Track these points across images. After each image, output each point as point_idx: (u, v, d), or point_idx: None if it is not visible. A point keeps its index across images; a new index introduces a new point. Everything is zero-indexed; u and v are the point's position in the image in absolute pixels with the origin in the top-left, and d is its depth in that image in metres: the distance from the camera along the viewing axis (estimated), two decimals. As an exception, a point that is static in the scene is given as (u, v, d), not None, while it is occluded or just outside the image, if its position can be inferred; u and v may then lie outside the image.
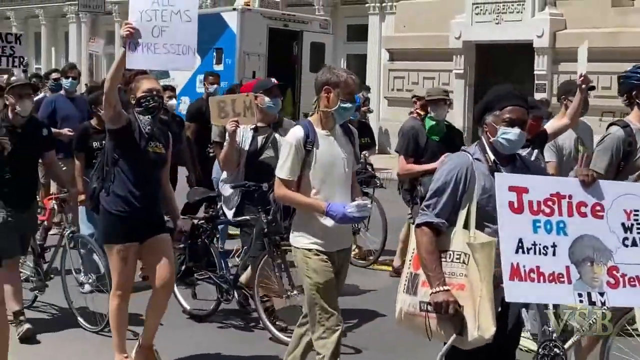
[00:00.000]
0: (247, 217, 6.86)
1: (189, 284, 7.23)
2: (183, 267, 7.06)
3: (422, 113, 8.10)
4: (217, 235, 7.10)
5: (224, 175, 7.21)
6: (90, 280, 7.02)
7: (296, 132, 5.12)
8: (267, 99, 7.02)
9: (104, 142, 7.81)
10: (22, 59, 11.08)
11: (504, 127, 4.19)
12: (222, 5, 22.82)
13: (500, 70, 18.94)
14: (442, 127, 7.72)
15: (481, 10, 19.02)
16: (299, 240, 5.18)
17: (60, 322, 7.24)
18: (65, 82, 10.54)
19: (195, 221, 7.06)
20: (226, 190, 7.08)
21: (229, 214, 7.09)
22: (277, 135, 7.01)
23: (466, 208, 4.18)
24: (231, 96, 7.32)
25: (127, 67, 5.66)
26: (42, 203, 7.07)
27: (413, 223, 7.73)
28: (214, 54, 19.24)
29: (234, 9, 18.76)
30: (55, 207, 6.90)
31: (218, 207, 7.25)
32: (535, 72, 18.31)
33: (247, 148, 6.97)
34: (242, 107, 6.87)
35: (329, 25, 21.17)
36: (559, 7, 18.32)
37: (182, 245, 6.99)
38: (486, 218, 4.16)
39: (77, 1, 23.92)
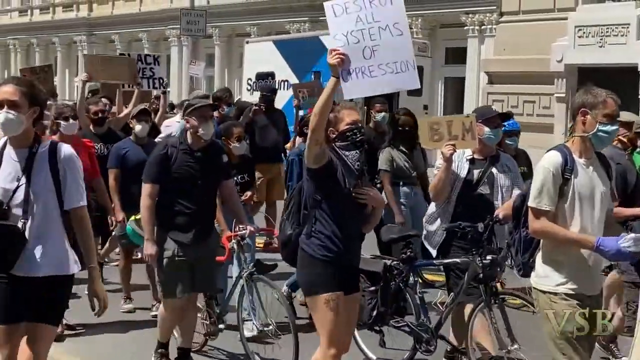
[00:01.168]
0: (457, 260, 5.69)
1: (377, 331, 6.01)
2: (374, 313, 5.86)
3: (625, 141, 6.69)
4: (416, 279, 5.95)
5: (431, 208, 6.07)
6: (269, 329, 5.88)
7: (553, 157, 4.27)
8: (486, 129, 5.88)
9: (235, 178, 6.81)
10: (161, 80, 10.21)
11: None
12: (320, 29, 21.89)
13: (604, 94, 17.64)
14: None
15: (584, 33, 17.66)
16: (545, 282, 4.29)
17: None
18: (227, 110, 9.53)
19: (388, 262, 5.91)
20: (433, 225, 5.97)
21: (433, 252, 5.95)
22: (494, 171, 5.91)
23: None
24: (447, 117, 6.24)
25: (345, 98, 4.63)
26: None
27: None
28: (312, 77, 18.31)
29: (333, 33, 17.70)
30: (235, 246, 5.84)
31: (414, 247, 6.09)
32: (640, 97, 16.94)
33: (462, 176, 5.85)
34: (461, 130, 5.77)
35: (428, 48, 20.23)
36: (665, 30, 16.92)
37: (373, 289, 5.84)
38: None
39: (180, 25, 23.11)
